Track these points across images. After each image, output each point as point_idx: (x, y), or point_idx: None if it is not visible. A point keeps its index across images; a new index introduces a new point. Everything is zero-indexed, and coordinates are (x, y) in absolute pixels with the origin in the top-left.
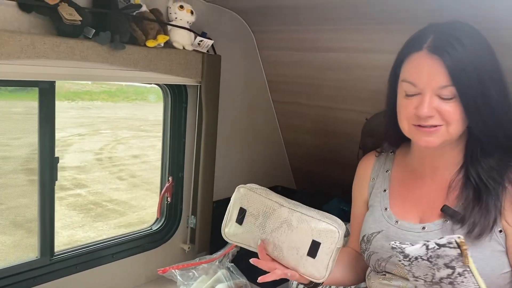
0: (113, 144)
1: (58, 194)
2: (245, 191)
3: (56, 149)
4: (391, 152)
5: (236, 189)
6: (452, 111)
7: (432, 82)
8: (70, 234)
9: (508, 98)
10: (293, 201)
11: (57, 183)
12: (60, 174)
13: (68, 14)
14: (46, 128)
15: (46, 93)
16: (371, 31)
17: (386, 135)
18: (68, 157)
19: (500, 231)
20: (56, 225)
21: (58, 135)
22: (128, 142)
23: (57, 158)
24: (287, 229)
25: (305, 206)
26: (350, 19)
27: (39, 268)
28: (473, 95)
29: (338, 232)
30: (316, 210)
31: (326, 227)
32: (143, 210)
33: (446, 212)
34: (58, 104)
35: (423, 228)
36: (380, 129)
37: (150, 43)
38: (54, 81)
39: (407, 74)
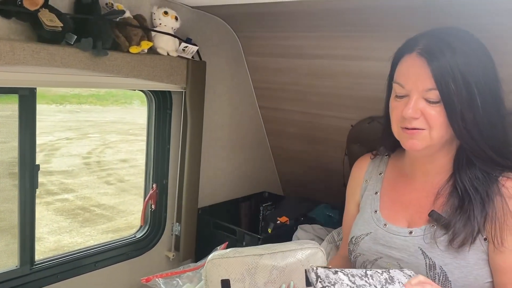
0: (101, 148)
1: (45, 199)
2: (218, 261)
3: (43, 153)
4: (386, 155)
5: (206, 264)
6: (436, 115)
7: (418, 84)
8: (57, 240)
9: (500, 111)
10: (266, 245)
11: (44, 187)
12: (47, 178)
13: (49, 20)
14: (26, 135)
15: (26, 100)
16: (357, 38)
17: (382, 139)
18: (55, 161)
19: (485, 239)
20: (43, 230)
21: (45, 138)
22: (117, 146)
23: (38, 166)
24: (279, 273)
25: (280, 243)
26: (336, 26)
27: (19, 278)
28: (458, 101)
29: (321, 250)
30: (291, 242)
31: (310, 252)
32: (131, 215)
33: (432, 216)
34: (46, 107)
35: (410, 232)
36: (365, 135)
37: (134, 49)
38: (35, 88)
39: (397, 75)
